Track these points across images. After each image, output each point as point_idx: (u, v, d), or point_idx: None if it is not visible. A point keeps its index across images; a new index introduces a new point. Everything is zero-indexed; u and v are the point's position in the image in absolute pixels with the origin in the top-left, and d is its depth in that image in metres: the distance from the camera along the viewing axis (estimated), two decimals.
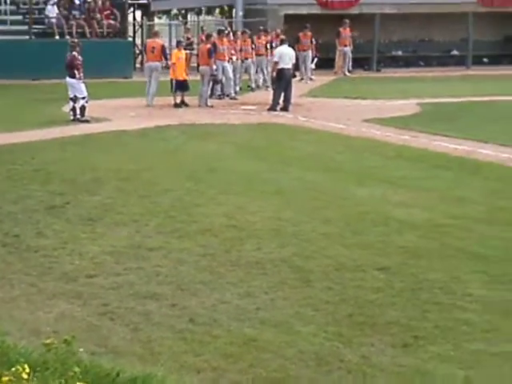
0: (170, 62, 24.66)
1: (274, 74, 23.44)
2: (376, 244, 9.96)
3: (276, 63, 23.26)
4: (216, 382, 6.27)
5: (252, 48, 28.31)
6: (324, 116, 21.82)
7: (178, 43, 25.41)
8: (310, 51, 31.67)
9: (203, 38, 26.11)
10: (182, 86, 23.59)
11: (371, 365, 6.66)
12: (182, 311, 7.78)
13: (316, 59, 33.05)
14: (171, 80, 23.78)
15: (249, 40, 28.19)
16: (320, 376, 6.44)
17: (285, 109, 22.78)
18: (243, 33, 28.58)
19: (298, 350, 6.91)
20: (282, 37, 27.16)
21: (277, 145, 17.20)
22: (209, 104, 23.89)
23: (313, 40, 32.21)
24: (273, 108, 22.83)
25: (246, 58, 28.07)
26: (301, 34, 31.55)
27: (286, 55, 23.19)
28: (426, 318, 7.63)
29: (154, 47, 24.91)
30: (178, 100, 23.74)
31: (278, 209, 11.67)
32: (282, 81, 22.86)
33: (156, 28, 40.38)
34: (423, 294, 8.27)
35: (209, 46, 24.28)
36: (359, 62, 36.77)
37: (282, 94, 22.96)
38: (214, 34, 26.28)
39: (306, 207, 11.78)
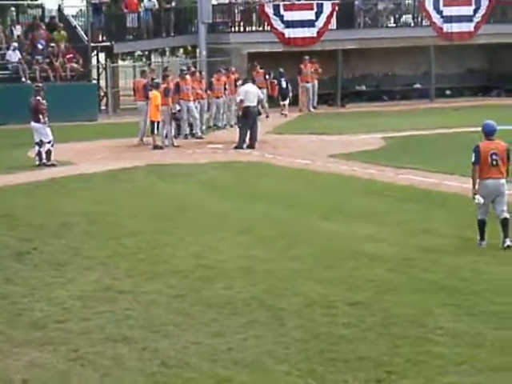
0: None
1: (240, 112, 23.57)
2: (346, 279, 9.98)
3: (241, 101, 23.38)
4: None
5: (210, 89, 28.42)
6: (290, 152, 21.92)
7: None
8: (264, 89, 30.96)
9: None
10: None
11: None
12: (154, 354, 7.72)
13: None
14: (152, 122, 23.55)
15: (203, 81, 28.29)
16: None
17: (251, 146, 22.87)
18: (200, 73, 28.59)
19: None
20: (236, 76, 27.76)
21: (244, 182, 17.23)
22: (175, 144, 23.89)
23: (266, 77, 32.54)
24: (239, 146, 22.91)
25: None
26: (254, 73, 31.48)
27: (250, 93, 23.32)
28: (398, 353, 7.63)
29: (138, 87, 25.78)
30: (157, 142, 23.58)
31: (247, 247, 11.67)
32: (247, 119, 22.98)
33: (120, 70, 40.57)
34: (394, 328, 8.28)
35: (165, 85, 24.12)
36: (324, 98, 37.04)
37: (248, 132, 23.07)
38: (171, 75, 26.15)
39: (275, 244, 11.78)
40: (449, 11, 37.74)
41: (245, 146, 22.90)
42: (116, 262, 10.98)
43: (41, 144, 20.19)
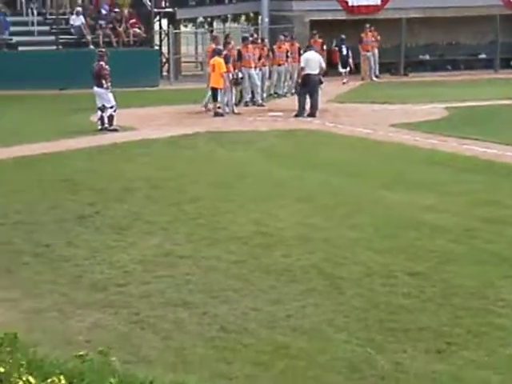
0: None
1: (299, 79, 23.48)
2: (407, 249, 9.90)
3: (302, 69, 23.29)
4: None
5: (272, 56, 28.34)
6: (351, 121, 21.77)
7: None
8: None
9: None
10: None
11: (404, 371, 6.61)
12: (213, 319, 7.77)
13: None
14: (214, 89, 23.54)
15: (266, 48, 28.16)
16: (353, 383, 6.40)
17: (312, 115, 22.76)
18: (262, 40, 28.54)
19: (330, 357, 6.87)
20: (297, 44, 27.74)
21: (305, 151, 17.17)
22: (236, 111, 23.88)
23: (324, 47, 31.81)
24: (299, 114, 22.82)
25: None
26: (311, 41, 30.46)
27: (311, 61, 23.19)
28: (459, 324, 7.56)
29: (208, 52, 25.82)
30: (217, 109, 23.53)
31: (306, 215, 11.64)
32: (307, 87, 22.86)
33: (182, 36, 40.65)
34: (455, 299, 8.20)
35: (226, 52, 24.07)
36: (386, 67, 36.66)
37: (308, 100, 22.96)
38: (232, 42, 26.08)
39: (335, 213, 11.74)
40: None
41: (305, 114, 22.80)
42: (176, 228, 11.04)
43: (103, 109, 20.35)
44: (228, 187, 13.54)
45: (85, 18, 32.56)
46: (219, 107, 23.29)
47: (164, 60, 37.34)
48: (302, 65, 23.35)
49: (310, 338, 7.29)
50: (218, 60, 23.30)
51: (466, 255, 9.65)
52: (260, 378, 6.46)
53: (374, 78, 34.85)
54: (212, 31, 38.76)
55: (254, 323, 7.64)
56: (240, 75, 24.63)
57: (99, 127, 20.37)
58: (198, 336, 7.34)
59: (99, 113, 20.45)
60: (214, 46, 25.47)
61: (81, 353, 2.97)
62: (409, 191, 13.01)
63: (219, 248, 10.09)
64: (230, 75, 23.79)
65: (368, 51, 34.85)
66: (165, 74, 36.24)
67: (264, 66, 27.16)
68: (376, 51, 35.14)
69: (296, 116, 22.80)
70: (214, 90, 23.29)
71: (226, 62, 23.58)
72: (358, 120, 22.08)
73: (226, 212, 11.88)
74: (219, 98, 23.27)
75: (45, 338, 6.99)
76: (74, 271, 9.24)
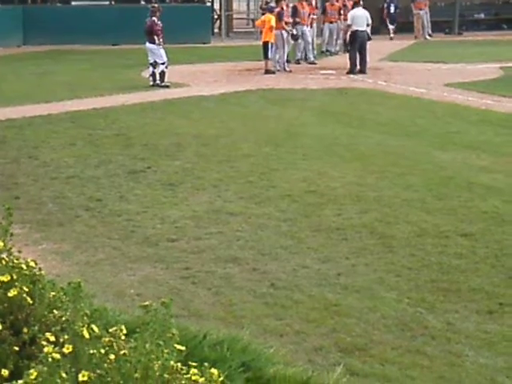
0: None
1: (348, 36, 23.38)
2: (459, 209, 9.79)
3: (349, 26, 23.17)
4: (299, 345, 6.26)
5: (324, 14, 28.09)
6: (404, 80, 21.53)
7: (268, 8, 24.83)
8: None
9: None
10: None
11: (456, 331, 6.57)
12: (263, 276, 7.78)
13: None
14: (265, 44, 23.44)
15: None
16: (404, 342, 6.37)
17: (362, 71, 22.62)
18: None
19: (380, 316, 6.85)
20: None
21: (357, 110, 17.04)
22: (287, 69, 23.75)
23: (341, 11, 28.35)
24: (352, 71, 22.69)
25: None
26: (327, 4, 28.79)
27: (359, 18, 23.03)
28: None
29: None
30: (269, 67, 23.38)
31: (358, 174, 11.57)
32: (355, 43, 22.73)
33: None
34: (508, 261, 8.10)
35: (279, 9, 23.93)
36: (440, 26, 36.18)
37: (358, 57, 22.82)
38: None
39: (388, 173, 11.64)
40: None
41: (356, 70, 22.66)
42: (227, 184, 11.05)
43: (155, 65, 20.38)
44: (279, 145, 13.50)
45: None
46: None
47: (216, 17, 37.22)
48: (349, 22, 23.22)
49: (360, 297, 7.27)
50: (270, 16, 23.18)
51: None
52: (310, 335, 6.46)
53: (428, 37, 34.40)
54: None
55: (304, 280, 7.64)
56: (295, 31, 24.50)
57: (151, 83, 20.42)
58: (249, 292, 7.36)
59: (151, 69, 20.49)
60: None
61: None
62: (462, 151, 12.86)
63: (270, 206, 10.08)
64: (284, 32, 23.65)
65: (421, 9, 34.40)
66: (216, 30, 36.16)
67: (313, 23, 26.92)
68: (427, 9, 34.67)
69: (347, 73, 22.66)
70: (265, 45, 23.17)
71: (280, 19, 23.46)
72: (411, 79, 21.83)
73: (276, 170, 11.85)
74: (270, 55, 23.16)
75: (97, 290, 7.06)
76: (125, 225, 9.30)
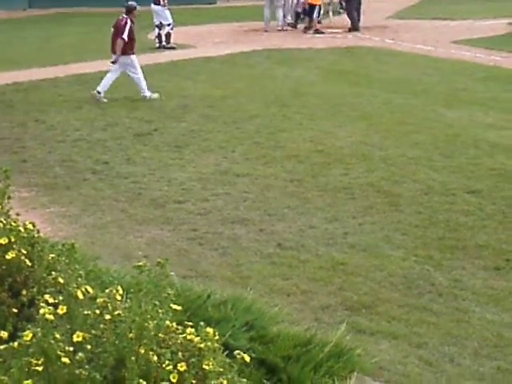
0: None
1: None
2: (466, 167, 9.78)
3: None
4: (306, 304, 6.29)
5: None
6: (411, 38, 21.37)
7: None
8: None
9: None
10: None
11: (463, 288, 6.59)
12: (270, 236, 7.80)
13: None
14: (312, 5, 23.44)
15: None
16: (410, 299, 6.40)
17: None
18: None
19: (387, 274, 6.87)
20: None
21: (363, 68, 16.94)
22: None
23: None
24: (355, 28, 22.65)
25: None
26: None
27: None
28: None
29: None
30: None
31: (365, 133, 11.54)
32: (352, 1, 22.74)
33: None
34: None
35: None
36: None
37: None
38: None
39: (394, 131, 11.61)
40: None
41: (358, 26, 22.63)
42: (234, 146, 11.03)
43: (160, 26, 20.27)
44: (285, 105, 13.46)
45: None
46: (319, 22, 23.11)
47: None
48: None
49: (367, 255, 7.29)
50: None
51: None
52: (317, 294, 6.49)
53: None
54: None
55: (311, 240, 7.66)
56: None
57: (157, 45, 20.31)
58: (256, 252, 7.39)
59: (157, 30, 20.38)
60: None
61: (139, 263, 2.99)
62: (469, 109, 12.80)
63: (276, 166, 10.07)
64: None
65: None
66: None
67: None
68: None
69: (350, 30, 22.63)
70: (312, 7, 23.10)
71: None
72: (418, 37, 21.66)
73: (283, 130, 11.83)
74: (315, 15, 23.09)
75: (105, 251, 7.10)
76: (132, 188, 9.32)
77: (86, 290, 2.98)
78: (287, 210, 8.52)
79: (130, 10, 14.32)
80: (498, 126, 11.63)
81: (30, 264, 3.37)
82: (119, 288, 2.96)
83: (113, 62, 14.23)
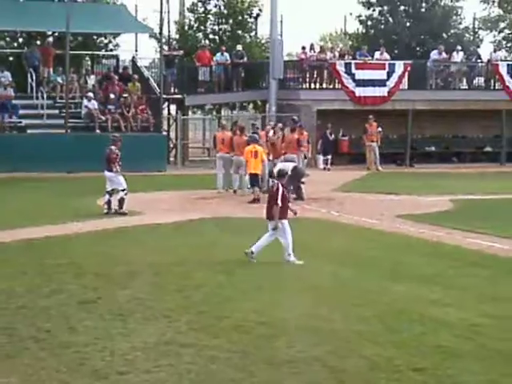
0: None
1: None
2: (411, 343, 9.78)
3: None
4: None
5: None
6: (357, 211, 21.79)
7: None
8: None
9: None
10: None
11: None
12: None
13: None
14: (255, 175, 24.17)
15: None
16: None
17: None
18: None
19: None
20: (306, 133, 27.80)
21: (309, 239, 17.10)
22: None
23: (309, 140, 28.24)
24: (300, 197, 23.24)
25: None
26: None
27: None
28: None
29: (223, 139, 26.27)
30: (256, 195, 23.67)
31: (312, 305, 11.55)
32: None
33: (190, 122, 41.07)
34: None
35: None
36: (392, 158, 36.96)
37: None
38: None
39: (341, 304, 11.64)
40: None
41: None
42: (179, 314, 10.95)
43: (111, 193, 20.45)
44: (232, 274, 13.49)
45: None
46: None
47: (171, 145, 37.67)
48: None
49: None
50: (259, 148, 24.15)
51: (471, 351, 9.50)
52: None
53: (380, 169, 35.06)
54: (220, 118, 39.20)
55: None
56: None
57: (105, 211, 20.43)
58: None
59: (107, 196, 20.54)
60: (228, 133, 26.03)
61: None
62: (414, 284, 12.94)
63: (221, 337, 9.98)
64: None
65: (373, 141, 35.24)
66: (172, 159, 36.54)
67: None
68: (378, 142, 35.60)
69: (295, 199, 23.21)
70: (255, 176, 23.63)
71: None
72: (363, 210, 22.11)
73: (229, 300, 11.80)
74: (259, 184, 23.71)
75: None
76: (75, 358, 9.12)
77: None
78: None
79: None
80: (442, 303, 11.74)
81: None
82: None
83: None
